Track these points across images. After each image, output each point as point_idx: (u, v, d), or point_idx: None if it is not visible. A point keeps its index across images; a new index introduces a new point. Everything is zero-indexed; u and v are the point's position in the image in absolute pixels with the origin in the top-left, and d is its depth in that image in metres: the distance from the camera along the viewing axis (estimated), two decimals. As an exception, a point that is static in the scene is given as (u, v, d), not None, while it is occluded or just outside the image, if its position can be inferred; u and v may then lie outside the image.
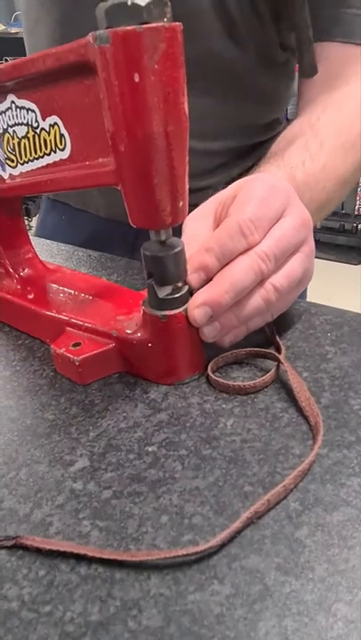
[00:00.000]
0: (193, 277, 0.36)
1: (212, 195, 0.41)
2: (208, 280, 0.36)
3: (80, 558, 0.26)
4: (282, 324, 0.42)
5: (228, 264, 0.36)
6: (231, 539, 0.26)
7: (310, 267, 0.39)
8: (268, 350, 0.38)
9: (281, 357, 0.36)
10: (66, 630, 0.23)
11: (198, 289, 0.35)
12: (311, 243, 0.39)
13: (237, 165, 0.65)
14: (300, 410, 0.33)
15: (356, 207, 2.92)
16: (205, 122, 0.57)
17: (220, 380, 0.36)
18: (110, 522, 0.27)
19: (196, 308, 0.35)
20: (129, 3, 0.25)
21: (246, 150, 0.66)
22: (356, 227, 2.93)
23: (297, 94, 0.59)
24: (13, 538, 0.26)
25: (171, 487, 0.29)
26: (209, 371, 0.37)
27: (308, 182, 0.47)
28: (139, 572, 0.25)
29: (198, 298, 0.35)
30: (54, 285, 0.47)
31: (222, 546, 0.25)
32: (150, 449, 0.32)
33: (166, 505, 0.28)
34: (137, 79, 0.27)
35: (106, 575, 0.25)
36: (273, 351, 0.38)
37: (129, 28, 0.26)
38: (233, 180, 0.43)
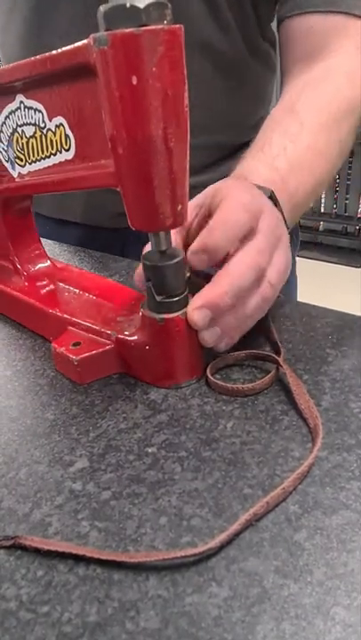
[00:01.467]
0: (195, 258, 0.35)
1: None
2: (210, 261, 0.36)
3: (78, 559, 0.26)
4: (283, 326, 0.42)
5: (226, 263, 0.35)
6: (230, 541, 0.26)
7: (290, 259, 0.40)
8: (267, 352, 0.38)
9: (280, 360, 0.36)
10: (63, 631, 0.23)
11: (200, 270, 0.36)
12: (286, 238, 0.40)
13: (225, 164, 0.65)
14: (300, 412, 0.33)
15: (359, 210, 2.92)
16: (192, 114, 0.57)
17: (220, 382, 0.36)
18: (109, 523, 0.27)
19: (196, 310, 0.34)
20: (127, 5, 0.25)
21: (235, 148, 0.65)
22: (359, 229, 2.93)
23: (280, 73, 0.58)
24: (12, 538, 0.26)
25: (170, 489, 0.29)
26: (208, 373, 0.37)
27: (292, 168, 0.46)
28: (137, 574, 0.25)
29: (197, 300, 0.35)
30: (61, 284, 0.47)
31: (221, 548, 0.25)
32: (150, 450, 0.32)
33: (165, 506, 0.28)
34: (135, 82, 0.27)
35: (104, 576, 0.25)
36: (272, 353, 0.38)
37: (127, 30, 0.26)
38: (223, 178, 0.43)
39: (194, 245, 0.36)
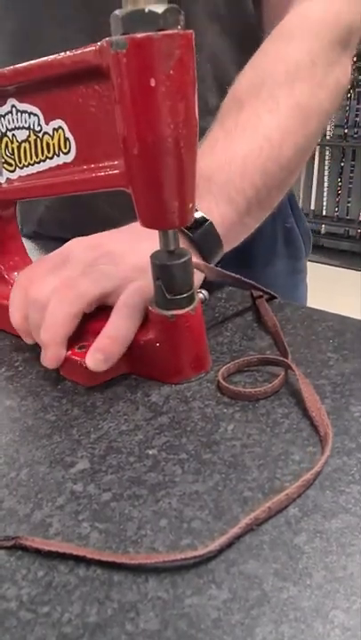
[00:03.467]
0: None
1: None
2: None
3: (79, 560, 0.26)
4: (284, 329, 0.42)
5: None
6: (230, 544, 0.26)
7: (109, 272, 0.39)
8: (278, 357, 0.38)
9: (292, 364, 0.36)
10: (63, 632, 0.23)
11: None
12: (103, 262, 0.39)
13: None
14: (301, 416, 0.33)
15: (361, 213, 2.93)
16: (208, 95, 0.56)
17: (232, 387, 0.36)
18: (110, 524, 0.27)
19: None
20: (146, 10, 0.26)
21: None
22: (361, 233, 2.93)
23: None
24: (13, 538, 0.26)
25: (170, 491, 0.29)
26: (220, 377, 0.37)
27: (220, 164, 0.44)
28: (137, 575, 0.25)
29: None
30: None
31: (221, 551, 0.25)
32: (151, 452, 0.32)
33: (166, 508, 0.28)
34: (153, 84, 0.28)
35: (104, 577, 0.25)
36: (282, 357, 0.38)
37: (145, 34, 0.26)
38: None
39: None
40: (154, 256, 0.35)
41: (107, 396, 0.37)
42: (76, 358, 0.38)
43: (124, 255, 0.39)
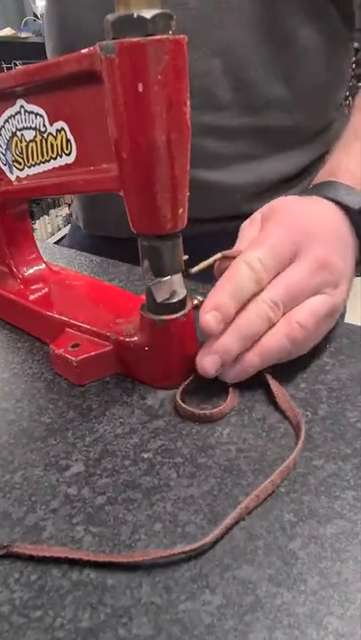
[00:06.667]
0: (208, 318, 0.34)
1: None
2: (224, 319, 0.34)
3: (73, 563, 0.25)
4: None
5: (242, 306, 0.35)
6: (222, 536, 0.26)
7: (336, 306, 0.37)
8: None
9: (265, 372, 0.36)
10: (56, 636, 0.23)
11: (215, 330, 0.34)
12: (337, 281, 0.37)
13: (305, 151, 0.61)
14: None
15: None
16: (268, 88, 0.54)
17: (186, 407, 0.34)
18: (104, 528, 0.27)
19: (207, 356, 0.34)
20: (135, 15, 0.26)
21: (316, 132, 0.62)
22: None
23: None
24: (4, 547, 0.26)
25: (165, 495, 0.29)
26: (177, 397, 0.35)
27: None
28: (130, 580, 0.25)
29: (207, 346, 0.35)
30: (56, 286, 0.47)
31: (215, 542, 0.25)
32: (146, 455, 0.32)
33: (160, 512, 0.28)
34: (141, 89, 0.27)
35: (97, 582, 0.25)
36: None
37: (134, 39, 0.26)
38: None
39: (206, 303, 0.34)
40: (142, 238, 0.34)
41: (102, 399, 0.37)
42: (69, 357, 0.38)
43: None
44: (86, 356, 0.38)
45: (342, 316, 0.68)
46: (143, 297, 0.39)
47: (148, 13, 0.26)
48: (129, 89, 0.28)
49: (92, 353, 0.38)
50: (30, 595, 0.24)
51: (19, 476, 0.31)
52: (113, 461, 0.31)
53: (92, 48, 0.29)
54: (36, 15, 3.07)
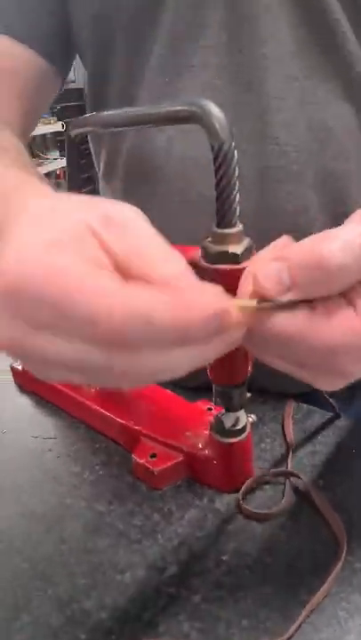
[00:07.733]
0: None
1: None
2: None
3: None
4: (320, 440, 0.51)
5: None
6: (295, 631, 0.35)
7: None
8: (292, 471, 0.47)
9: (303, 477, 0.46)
10: None
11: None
12: None
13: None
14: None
15: None
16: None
17: (251, 509, 0.44)
18: (204, 624, 0.36)
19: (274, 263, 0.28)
20: (229, 252, 0.34)
21: None
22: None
23: None
24: None
25: (245, 593, 0.38)
26: (240, 497, 0.45)
27: None
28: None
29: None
30: (126, 394, 0.56)
31: (290, 638, 0.34)
32: (224, 558, 0.41)
33: (244, 610, 0.37)
34: None
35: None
36: (295, 472, 0.47)
37: (228, 267, 0.34)
38: None
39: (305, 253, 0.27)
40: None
41: (178, 502, 0.46)
42: (150, 467, 0.47)
43: None
44: (164, 466, 0.47)
45: None
46: (195, 403, 0.50)
47: (238, 249, 0.34)
48: None
49: (169, 463, 0.47)
50: None
51: (127, 577, 0.40)
52: (199, 564, 0.40)
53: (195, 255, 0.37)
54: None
